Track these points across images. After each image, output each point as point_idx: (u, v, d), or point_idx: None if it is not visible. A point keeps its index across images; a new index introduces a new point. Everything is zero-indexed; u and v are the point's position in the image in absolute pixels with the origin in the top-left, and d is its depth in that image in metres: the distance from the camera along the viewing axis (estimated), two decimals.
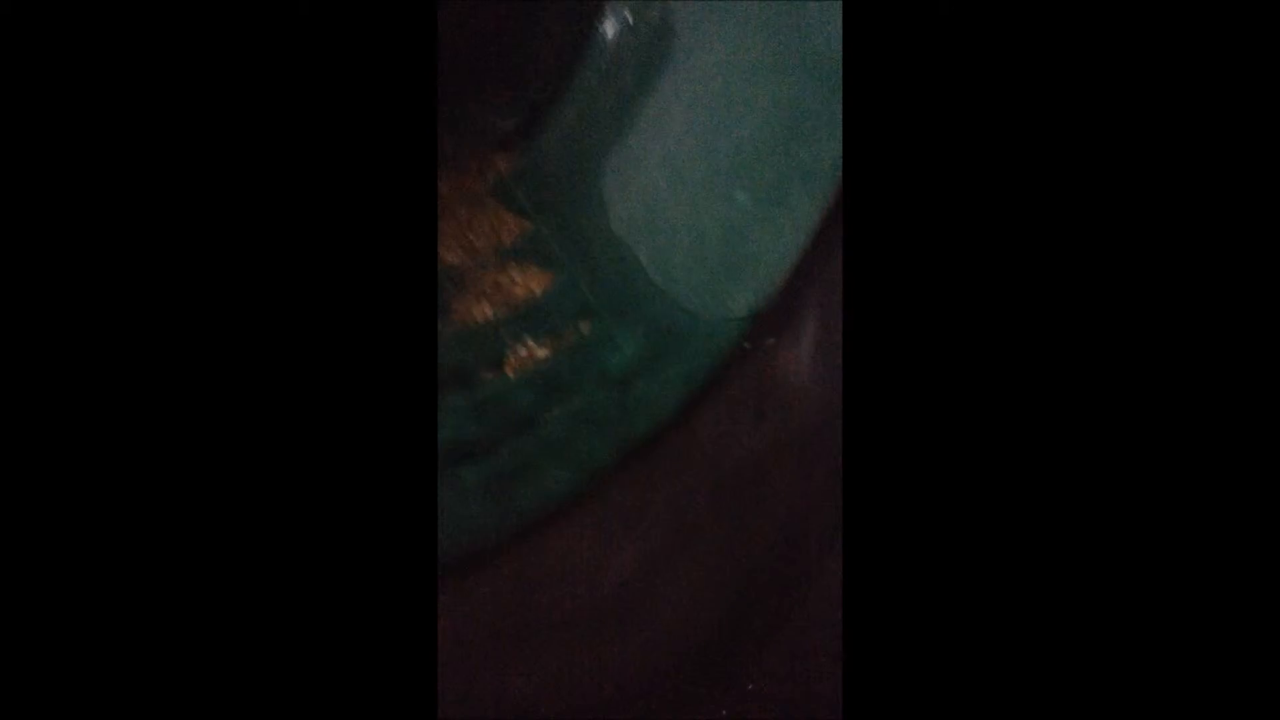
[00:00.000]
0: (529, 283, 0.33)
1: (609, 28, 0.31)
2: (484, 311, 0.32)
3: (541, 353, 0.32)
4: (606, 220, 0.32)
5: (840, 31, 0.28)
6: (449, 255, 0.32)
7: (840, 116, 0.29)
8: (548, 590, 0.31)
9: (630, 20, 0.31)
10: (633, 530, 0.32)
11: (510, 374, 0.32)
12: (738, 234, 0.31)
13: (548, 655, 0.31)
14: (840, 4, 0.28)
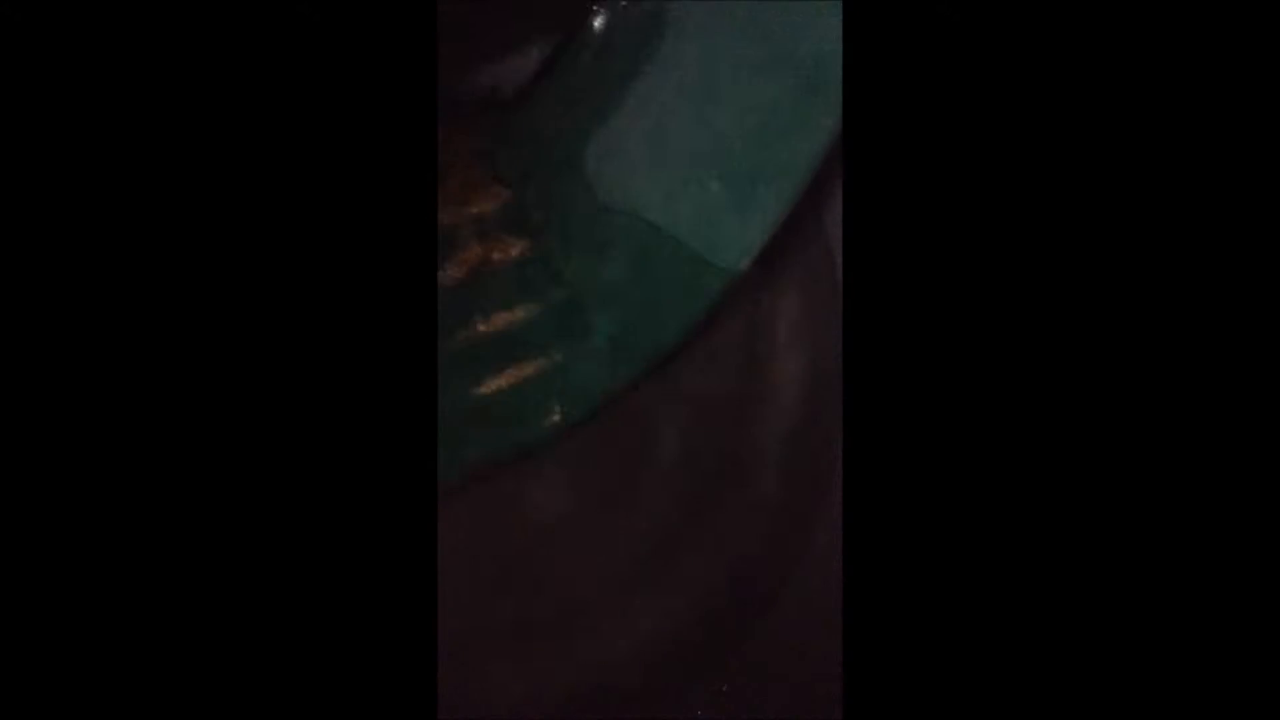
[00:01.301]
0: (506, 249, 0.34)
1: (603, 13, 0.33)
2: (456, 274, 0.34)
3: (517, 314, 0.34)
4: (586, 195, 0.33)
5: (827, 36, 0.30)
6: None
7: (814, 118, 0.31)
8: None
9: (624, 7, 0.33)
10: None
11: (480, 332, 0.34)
12: (709, 220, 0.33)
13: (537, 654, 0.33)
14: (835, 7, 0.30)
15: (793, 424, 0.35)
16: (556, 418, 0.34)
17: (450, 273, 0.34)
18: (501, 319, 0.34)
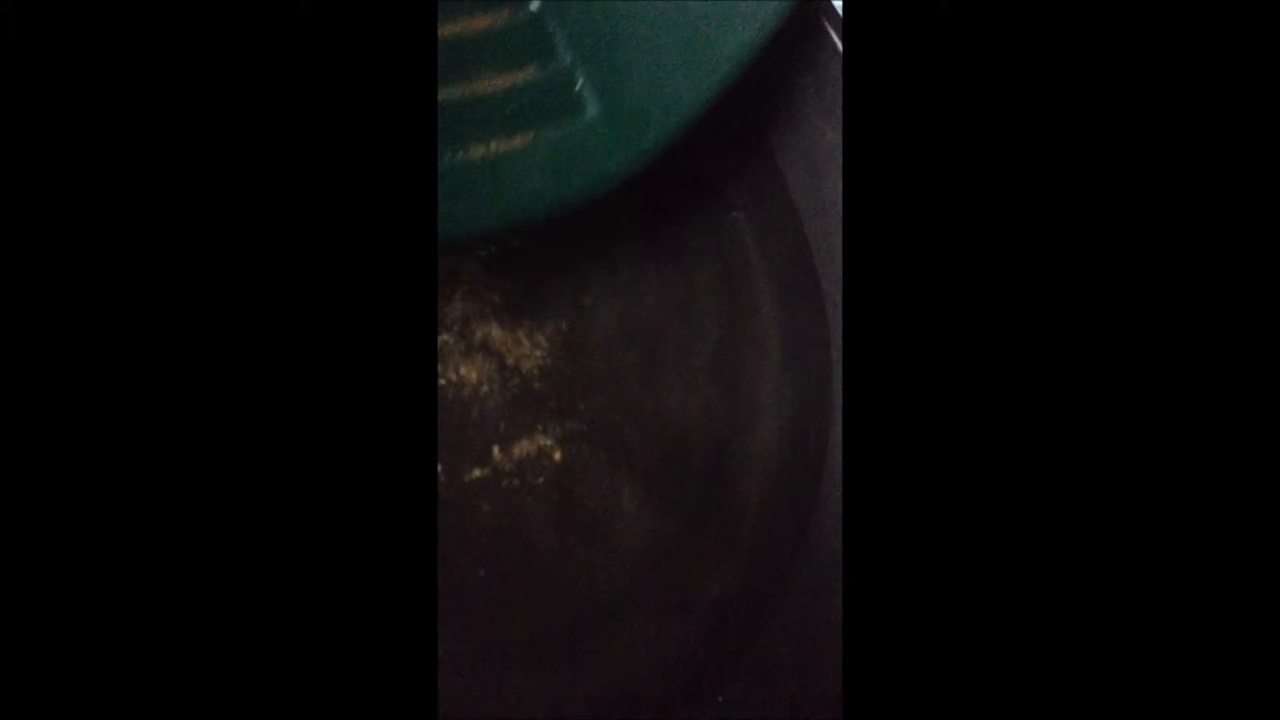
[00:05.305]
0: (496, 14, 0.33)
1: None
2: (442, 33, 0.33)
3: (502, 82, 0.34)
4: None
5: None
6: None
7: None
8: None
9: None
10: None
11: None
12: (691, 26, 0.31)
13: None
14: None
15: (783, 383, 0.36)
16: (544, 191, 0.35)
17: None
18: (487, 85, 0.34)
